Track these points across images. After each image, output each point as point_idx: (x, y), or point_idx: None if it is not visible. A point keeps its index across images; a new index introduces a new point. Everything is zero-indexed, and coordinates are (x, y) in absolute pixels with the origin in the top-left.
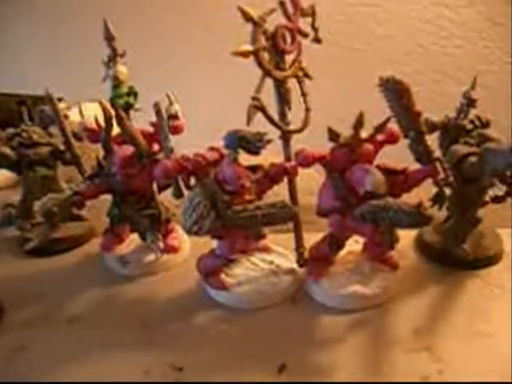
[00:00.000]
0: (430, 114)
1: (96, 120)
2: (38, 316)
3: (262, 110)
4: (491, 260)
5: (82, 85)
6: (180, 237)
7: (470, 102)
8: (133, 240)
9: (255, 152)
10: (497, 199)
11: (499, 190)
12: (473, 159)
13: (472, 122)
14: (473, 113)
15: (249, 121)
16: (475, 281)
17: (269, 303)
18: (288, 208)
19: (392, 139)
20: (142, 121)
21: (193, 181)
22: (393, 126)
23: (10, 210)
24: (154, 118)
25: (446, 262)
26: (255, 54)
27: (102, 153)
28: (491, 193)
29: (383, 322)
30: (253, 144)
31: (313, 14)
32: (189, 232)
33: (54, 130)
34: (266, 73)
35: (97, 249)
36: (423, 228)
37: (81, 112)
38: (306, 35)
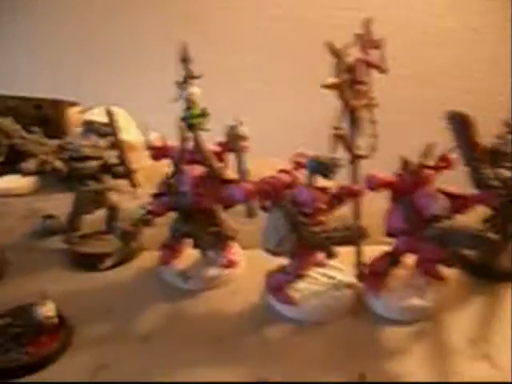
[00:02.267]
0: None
1: (163, 139)
2: (111, 333)
3: (343, 138)
4: None
5: (97, 89)
6: (238, 252)
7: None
8: (190, 254)
9: (329, 176)
10: None
11: None
12: None
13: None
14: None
15: (333, 149)
16: None
17: (333, 316)
18: (361, 230)
19: (451, 165)
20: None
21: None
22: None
23: (50, 221)
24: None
25: (486, 276)
26: (339, 86)
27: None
28: None
29: (440, 332)
30: (331, 169)
31: (381, 46)
32: (271, 252)
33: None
34: (346, 103)
35: (149, 263)
36: None
37: (146, 130)
38: (377, 67)
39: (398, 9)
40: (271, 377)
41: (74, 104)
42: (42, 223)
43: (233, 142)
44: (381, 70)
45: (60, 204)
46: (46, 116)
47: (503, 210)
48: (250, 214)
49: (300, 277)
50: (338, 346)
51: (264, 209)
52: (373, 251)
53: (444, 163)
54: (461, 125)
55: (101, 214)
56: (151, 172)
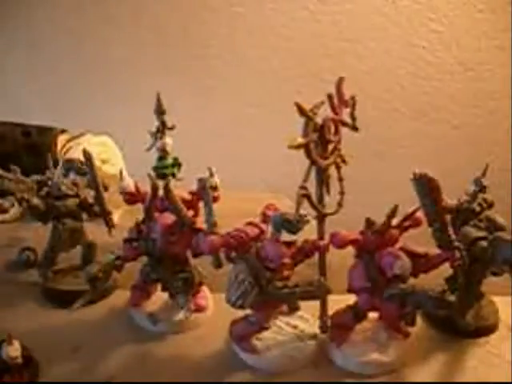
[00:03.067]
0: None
1: (136, 185)
2: (76, 373)
3: (308, 197)
4: (489, 329)
5: (86, 116)
6: (206, 296)
7: (482, 188)
8: (159, 296)
9: (295, 232)
10: (495, 273)
11: None
12: (484, 243)
13: (480, 204)
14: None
15: (298, 208)
16: (476, 349)
17: (295, 367)
18: (324, 287)
19: (416, 224)
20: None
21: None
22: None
23: (29, 253)
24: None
25: (449, 331)
26: (306, 146)
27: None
28: None
29: None
30: (296, 226)
31: (353, 105)
32: (233, 305)
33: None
34: (313, 162)
35: (121, 302)
36: None
37: (121, 174)
38: (347, 125)
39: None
40: None
41: (63, 131)
42: (19, 255)
43: (202, 195)
44: (352, 127)
45: (43, 234)
46: (34, 143)
47: (467, 270)
48: (217, 264)
49: (264, 329)
50: None
51: (230, 260)
52: (338, 302)
53: (409, 222)
54: (426, 187)
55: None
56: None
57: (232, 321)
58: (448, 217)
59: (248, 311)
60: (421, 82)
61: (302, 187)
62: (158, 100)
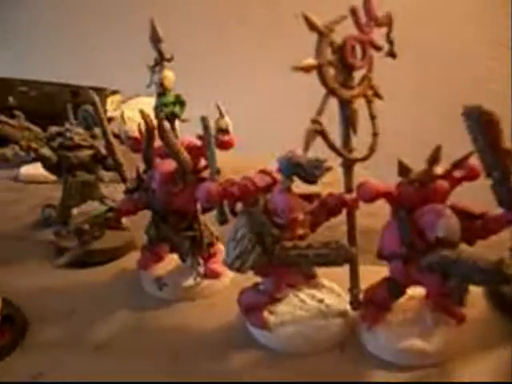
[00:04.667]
0: None
1: (139, 128)
2: (63, 338)
3: (323, 134)
4: None
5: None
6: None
7: None
8: (172, 259)
9: (312, 181)
10: None
11: None
12: None
13: None
14: None
15: (307, 147)
16: None
17: (314, 349)
18: (344, 249)
19: (472, 176)
20: (188, 132)
21: (239, 206)
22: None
23: (50, 211)
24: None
25: None
26: (319, 69)
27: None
28: None
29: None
30: (310, 172)
31: (389, 24)
32: (230, 267)
33: (98, 131)
34: (331, 91)
35: (134, 264)
36: None
37: (123, 119)
38: (379, 48)
39: None
40: None
41: (114, 92)
42: (42, 213)
43: (205, 134)
44: (389, 53)
45: None
46: (83, 103)
47: None
48: (221, 220)
49: (277, 300)
50: None
51: (234, 214)
52: (377, 272)
53: (461, 172)
54: (482, 124)
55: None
56: None
57: (241, 289)
58: None
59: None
60: None
61: (315, 121)
62: (153, 27)
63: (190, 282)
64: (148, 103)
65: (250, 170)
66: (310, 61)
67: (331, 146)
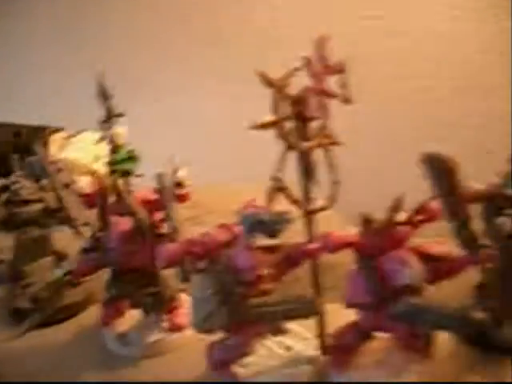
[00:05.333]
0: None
1: (92, 184)
2: None
3: (284, 190)
4: None
5: (85, 114)
6: (186, 314)
7: None
8: (134, 313)
9: (273, 236)
10: None
11: None
12: None
13: None
14: None
15: (270, 203)
16: None
17: None
18: (313, 304)
19: (432, 218)
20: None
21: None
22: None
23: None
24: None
25: (484, 347)
26: (277, 125)
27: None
28: None
29: None
30: (272, 228)
31: (342, 71)
32: (199, 330)
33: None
34: (290, 146)
35: (95, 319)
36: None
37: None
38: (334, 96)
39: None
40: None
41: (57, 130)
42: None
43: (162, 192)
44: (343, 99)
45: None
46: (25, 144)
47: (503, 273)
48: (183, 277)
49: (245, 355)
50: None
51: (198, 272)
52: (341, 314)
53: (421, 216)
54: (440, 170)
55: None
56: None
57: (208, 344)
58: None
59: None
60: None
61: (275, 178)
62: (101, 83)
63: (155, 337)
64: (92, 140)
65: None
66: (268, 118)
67: (292, 201)
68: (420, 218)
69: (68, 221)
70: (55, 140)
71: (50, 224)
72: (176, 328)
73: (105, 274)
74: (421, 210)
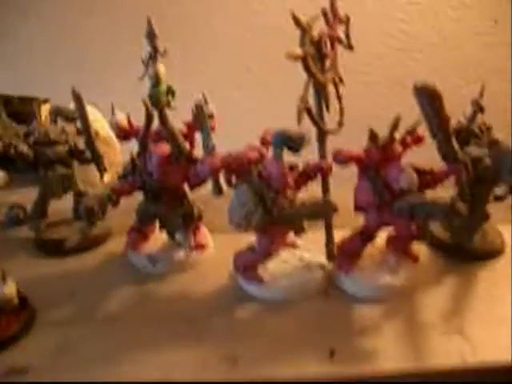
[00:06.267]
0: None
1: (128, 119)
2: (75, 315)
3: (309, 111)
4: (496, 253)
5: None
6: (206, 234)
7: (479, 109)
8: (157, 238)
9: (297, 150)
10: (498, 198)
11: (499, 189)
12: (486, 161)
13: (479, 127)
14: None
15: (299, 121)
16: (485, 272)
17: (304, 296)
18: (330, 205)
19: (418, 141)
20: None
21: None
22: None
23: (17, 210)
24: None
25: (457, 256)
26: (304, 58)
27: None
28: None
29: (413, 310)
30: (297, 143)
31: (347, 22)
32: (237, 227)
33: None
34: (312, 76)
35: (116, 248)
36: (432, 225)
37: (113, 109)
38: (341, 42)
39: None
40: (243, 354)
41: (45, 101)
42: (8, 213)
43: (199, 120)
44: (347, 46)
45: (30, 197)
46: (15, 113)
47: (472, 188)
48: (218, 190)
49: (269, 256)
50: (309, 324)
51: (230, 184)
52: (342, 235)
53: (411, 139)
54: (429, 97)
55: (66, 203)
56: None
57: (235, 252)
58: None
59: (252, 240)
60: (400, 54)
61: (303, 99)
62: (149, 23)
63: (180, 255)
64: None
65: None
66: (297, 51)
67: (314, 121)
68: (410, 140)
69: (96, 160)
70: (44, 110)
71: (74, 164)
72: (199, 247)
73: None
74: (410, 132)
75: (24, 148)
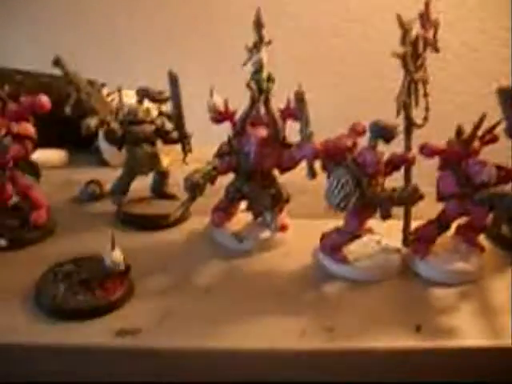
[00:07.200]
0: None
1: (226, 103)
2: (172, 285)
3: (406, 105)
4: None
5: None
6: (287, 217)
7: None
8: (241, 218)
9: (389, 140)
10: None
11: None
12: None
13: None
14: None
15: (398, 113)
16: None
17: (384, 277)
18: (418, 191)
19: (494, 140)
20: None
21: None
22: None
23: (93, 186)
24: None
25: None
26: (404, 56)
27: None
28: None
29: (485, 293)
30: (391, 134)
31: (437, 26)
32: (336, 207)
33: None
34: (409, 73)
35: (199, 226)
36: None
37: (211, 91)
38: (431, 44)
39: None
40: (335, 325)
41: (102, 85)
42: (84, 189)
43: (299, 107)
44: (434, 48)
45: (94, 175)
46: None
47: None
48: (312, 174)
49: (357, 237)
50: (391, 302)
51: (326, 169)
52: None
53: (489, 136)
54: (510, 98)
55: (141, 182)
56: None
57: (322, 234)
58: None
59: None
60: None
61: (401, 94)
62: (258, 13)
63: (265, 234)
64: (131, 96)
65: None
66: (400, 50)
67: (407, 115)
68: (488, 137)
69: (183, 140)
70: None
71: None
72: (282, 228)
73: None
74: (491, 130)
75: (115, 125)
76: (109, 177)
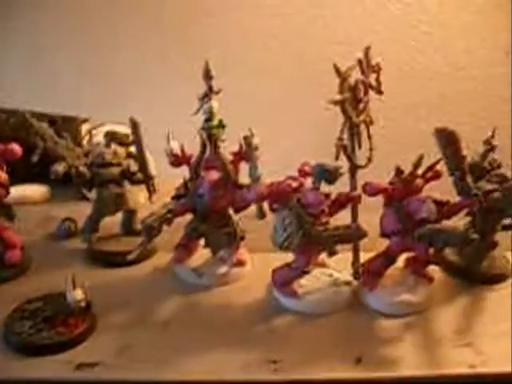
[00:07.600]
0: None
1: (182, 148)
2: (132, 320)
3: (345, 148)
4: (503, 277)
5: (107, 107)
6: (245, 252)
7: (491, 148)
8: (201, 254)
9: (332, 182)
10: (506, 227)
11: (507, 220)
12: (496, 194)
13: (490, 163)
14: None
15: (337, 157)
16: (493, 293)
17: (333, 310)
18: (360, 230)
19: (436, 176)
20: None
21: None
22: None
23: (68, 223)
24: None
25: (467, 278)
26: (342, 103)
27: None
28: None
29: (429, 324)
30: (334, 176)
31: (378, 70)
32: (280, 247)
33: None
34: (348, 118)
35: (164, 262)
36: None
37: (168, 137)
38: (373, 88)
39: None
40: (280, 358)
41: (84, 121)
42: (60, 226)
43: (247, 151)
44: (377, 91)
45: (73, 210)
46: (59, 132)
47: (483, 218)
48: (261, 215)
49: (305, 273)
50: (337, 334)
51: (273, 210)
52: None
53: (430, 174)
54: (448, 139)
55: (112, 220)
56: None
57: (273, 269)
58: None
59: (287, 261)
60: (413, 81)
61: (340, 138)
62: (207, 66)
63: (223, 270)
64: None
65: None
66: (337, 97)
67: (348, 156)
68: (430, 174)
69: (147, 181)
70: (83, 129)
71: (126, 184)
72: (239, 263)
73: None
74: (431, 168)
75: (83, 169)
76: (88, 212)
